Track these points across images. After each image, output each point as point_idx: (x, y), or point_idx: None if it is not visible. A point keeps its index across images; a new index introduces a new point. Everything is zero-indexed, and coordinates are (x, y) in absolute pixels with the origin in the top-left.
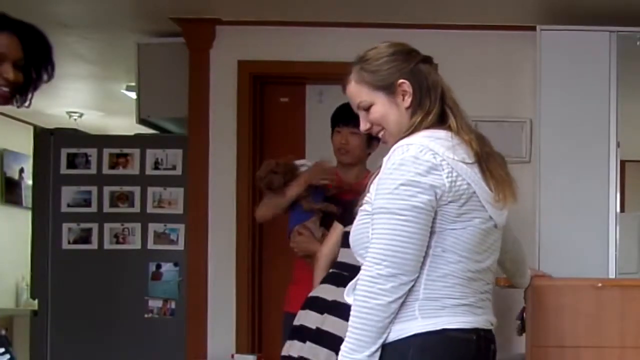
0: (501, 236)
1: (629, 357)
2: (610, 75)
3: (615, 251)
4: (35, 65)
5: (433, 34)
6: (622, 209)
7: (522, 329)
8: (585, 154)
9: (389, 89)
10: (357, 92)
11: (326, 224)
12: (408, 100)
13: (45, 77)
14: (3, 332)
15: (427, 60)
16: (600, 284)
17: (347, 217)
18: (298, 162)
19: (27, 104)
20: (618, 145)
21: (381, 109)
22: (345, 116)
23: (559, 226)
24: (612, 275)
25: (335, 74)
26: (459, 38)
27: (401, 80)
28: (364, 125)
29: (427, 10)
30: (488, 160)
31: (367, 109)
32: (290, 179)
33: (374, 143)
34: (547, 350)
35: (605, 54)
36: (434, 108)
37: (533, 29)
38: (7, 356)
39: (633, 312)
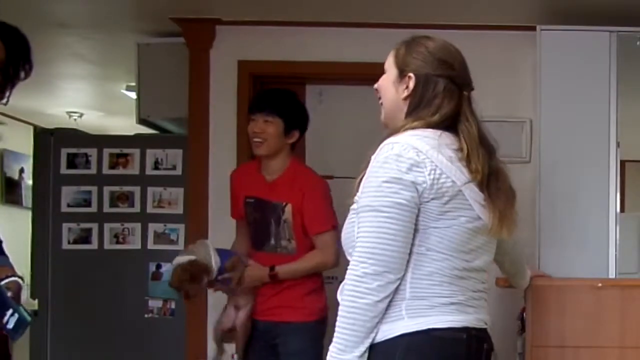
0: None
1: (629, 357)
2: (610, 75)
3: (615, 251)
4: (14, 64)
5: (433, 34)
6: (622, 209)
7: (522, 329)
8: (585, 154)
9: (401, 72)
10: (389, 57)
11: None
12: (405, 93)
13: (22, 75)
14: (10, 293)
15: (458, 83)
16: (600, 284)
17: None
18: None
19: (4, 101)
20: (618, 145)
21: (386, 81)
22: (260, 103)
23: (559, 226)
24: (612, 275)
25: (335, 74)
26: (459, 38)
27: (411, 74)
28: (376, 84)
29: (427, 10)
30: (497, 195)
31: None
32: (200, 278)
33: (294, 132)
34: (547, 350)
35: (605, 54)
36: (428, 121)
37: (533, 29)
38: (17, 316)
39: (633, 312)
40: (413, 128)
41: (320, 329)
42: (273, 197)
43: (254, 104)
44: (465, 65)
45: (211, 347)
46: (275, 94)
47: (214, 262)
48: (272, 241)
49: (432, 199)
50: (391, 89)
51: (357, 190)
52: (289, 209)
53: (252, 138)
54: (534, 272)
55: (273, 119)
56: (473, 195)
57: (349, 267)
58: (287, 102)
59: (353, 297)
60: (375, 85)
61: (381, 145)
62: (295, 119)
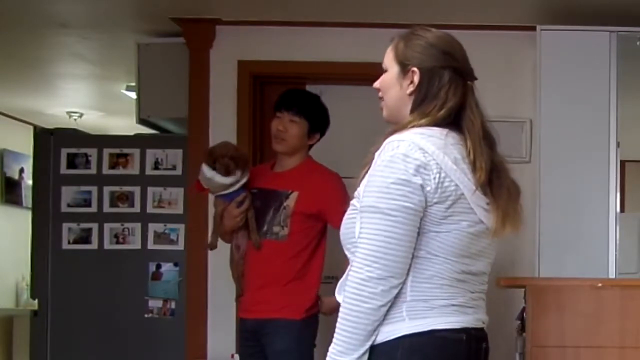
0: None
1: (629, 357)
2: (610, 75)
3: (615, 251)
4: None
5: None
6: (622, 209)
7: (522, 329)
8: (585, 154)
9: (404, 68)
10: (387, 54)
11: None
12: (410, 88)
13: None
14: None
15: (462, 73)
16: (600, 284)
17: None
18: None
19: None
20: (618, 145)
21: (388, 79)
22: (288, 101)
23: (559, 226)
24: (612, 275)
25: (335, 74)
26: (459, 38)
27: (414, 69)
28: (376, 83)
29: (427, 10)
30: (499, 193)
31: (384, 72)
32: (240, 169)
33: (315, 135)
34: (547, 350)
35: (605, 54)
36: (436, 117)
37: (533, 29)
38: None
39: (633, 312)
40: (420, 126)
41: (308, 327)
42: (279, 186)
43: (282, 102)
44: (466, 55)
45: (212, 346)
46: (304, 96)
47: (242, 181)
48: (265, 228)
49: (435, 202)
50: (395, 85)
51: (359, 186)
52: (293, 196)
53: (275, 134)
54: None
55: (299, 119)
56: (475, 199)
57: (351, 269)
58: (313, 105)
59: (356, 300)
60: (376, 84)
61: (385, 142)
62: (319, 123)
